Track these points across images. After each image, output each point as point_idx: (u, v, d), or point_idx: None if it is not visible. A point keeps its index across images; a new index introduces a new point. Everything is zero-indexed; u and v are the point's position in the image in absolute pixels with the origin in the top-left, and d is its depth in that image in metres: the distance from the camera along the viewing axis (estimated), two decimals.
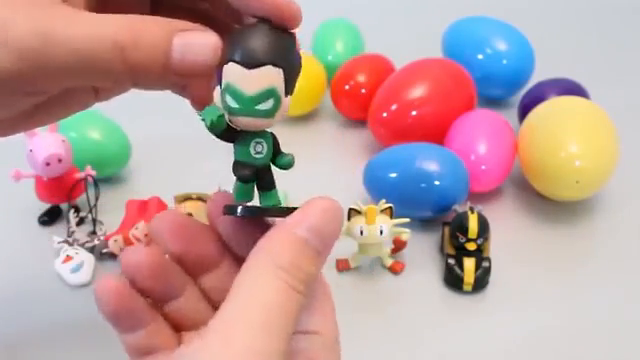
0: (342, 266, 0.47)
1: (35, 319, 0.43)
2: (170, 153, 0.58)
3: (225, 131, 0.28)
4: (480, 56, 0.62)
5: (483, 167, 0.51)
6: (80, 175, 0.50)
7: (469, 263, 0.44)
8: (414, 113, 0.55)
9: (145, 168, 0.57)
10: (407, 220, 0.45)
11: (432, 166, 0.49)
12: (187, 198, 0.47)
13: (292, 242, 0.25)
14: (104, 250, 0.47)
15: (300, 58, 0.28)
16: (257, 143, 0.29)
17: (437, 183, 0.48)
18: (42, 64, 0.25)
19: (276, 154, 0.29)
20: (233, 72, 0.26)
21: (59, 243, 0.48)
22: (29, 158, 0.48)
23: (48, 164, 0.48)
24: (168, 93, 0.31)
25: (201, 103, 0.29)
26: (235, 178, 0.29)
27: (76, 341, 0.42)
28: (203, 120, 0.27)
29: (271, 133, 0.29)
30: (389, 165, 0.50)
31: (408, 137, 0.54)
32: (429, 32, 0.69)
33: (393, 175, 0.49)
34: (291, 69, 0.28)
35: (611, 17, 0.84)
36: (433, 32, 0.68)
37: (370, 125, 0.58)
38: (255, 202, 0.29)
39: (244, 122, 0.27)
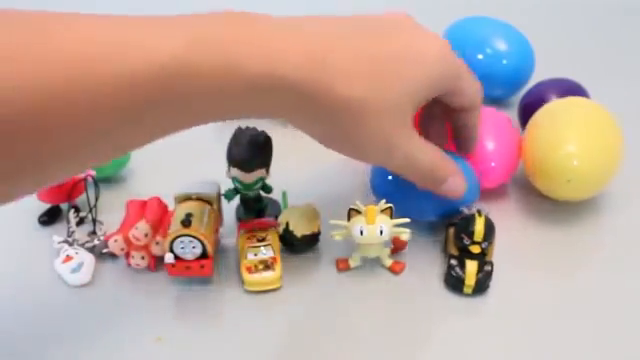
0: (342, 266, 0.47)
1: (35, 319, 0.43)
2: (170, 153, 0.58)
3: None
4: (480, 56, 0.62)
5: (493, 164, 0.51)
6: (80, 175, 0.50)
7: (471, 266, 0.44)
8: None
9: (145, 168, 0.57)
10: (407, 220, 0.45)
11: None
12: (187, 198, 0.46)
13: None
14: (104, 250, 0.47)
15: (271, 146, 0.47)
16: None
17: None
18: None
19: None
20: (236, 171, 0.46)
21: (59, 243, 0.48)
22: None
23: None
24: None
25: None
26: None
27: (76, 341, 0.42)
28: (225, 198, 0.48)
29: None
30: None
31: None
32: None
33: (394, 175, 0.49)
34: (269, 161, 0.47)
35: (611, 17, 0.84)
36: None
37: None
38: None
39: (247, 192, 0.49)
